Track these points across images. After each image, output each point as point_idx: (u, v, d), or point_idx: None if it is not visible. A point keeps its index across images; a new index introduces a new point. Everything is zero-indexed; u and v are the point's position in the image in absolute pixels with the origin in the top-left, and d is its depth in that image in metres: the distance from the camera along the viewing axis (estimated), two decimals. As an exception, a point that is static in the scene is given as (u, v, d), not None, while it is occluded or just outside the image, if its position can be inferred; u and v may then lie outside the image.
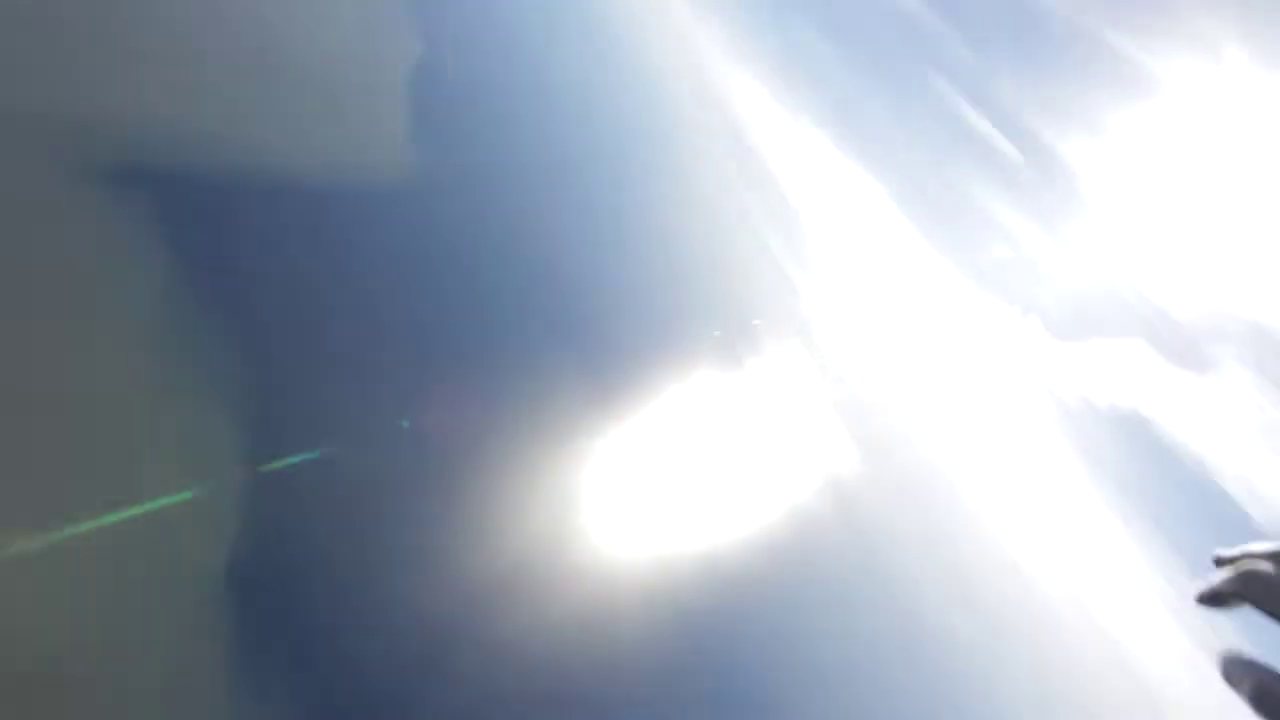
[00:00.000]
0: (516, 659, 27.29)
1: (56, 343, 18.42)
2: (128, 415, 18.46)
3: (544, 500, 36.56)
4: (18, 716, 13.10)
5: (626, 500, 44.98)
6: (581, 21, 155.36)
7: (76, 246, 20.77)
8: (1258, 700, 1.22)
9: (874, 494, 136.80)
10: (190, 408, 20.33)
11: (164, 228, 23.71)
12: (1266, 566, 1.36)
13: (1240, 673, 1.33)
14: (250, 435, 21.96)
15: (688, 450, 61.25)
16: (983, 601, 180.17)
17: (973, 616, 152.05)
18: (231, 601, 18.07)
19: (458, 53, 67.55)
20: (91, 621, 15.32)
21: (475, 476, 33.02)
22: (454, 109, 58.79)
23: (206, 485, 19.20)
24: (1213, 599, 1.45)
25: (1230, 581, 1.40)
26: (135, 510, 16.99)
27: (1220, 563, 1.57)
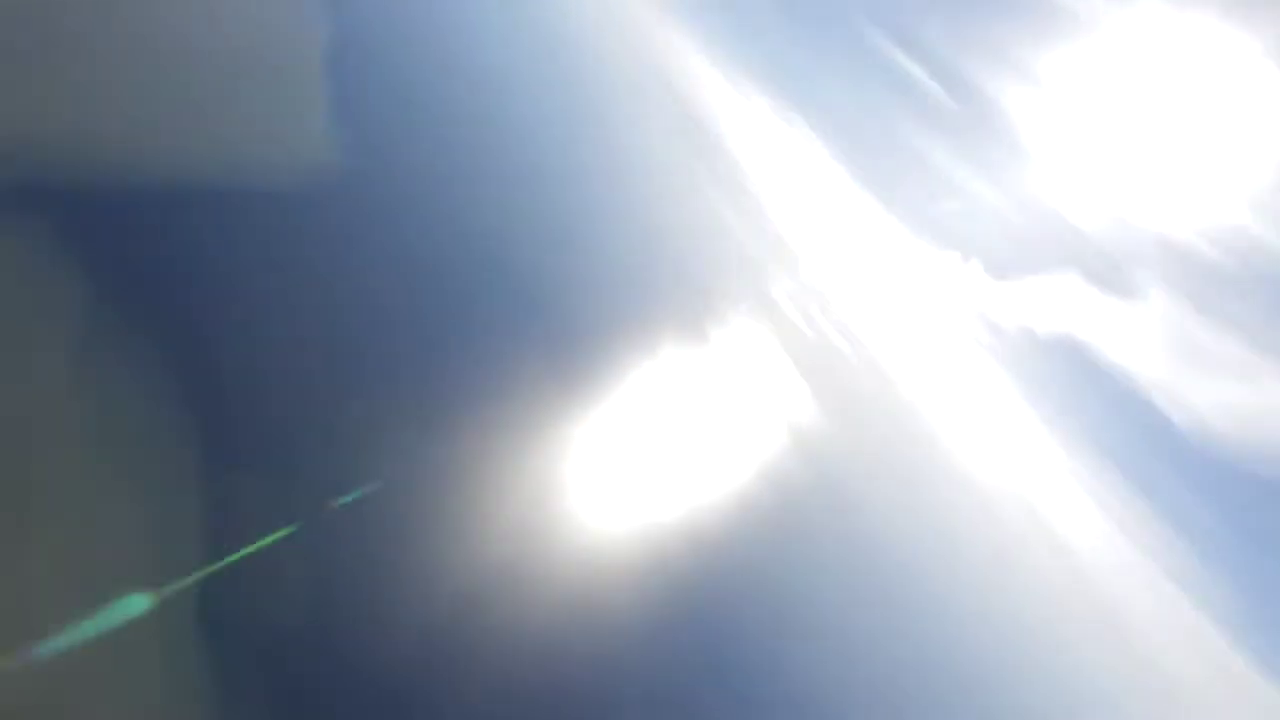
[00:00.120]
0: (511, 644, 26.62)
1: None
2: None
3: (522, 484, 35.61)
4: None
5: (602, 477, 44.47)
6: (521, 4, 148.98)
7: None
8: None
9: (839, 440, 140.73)
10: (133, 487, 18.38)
11: (61, 249, 21.17)
12: None
13: None
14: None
15: (658, 422, 61.04)
16: (945, 523, 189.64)
17: (938, 540, 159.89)
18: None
19: (384, 36, 63.57)
20: None
21: (451, 465, 31.75)
22: (387, 97, 55.42)
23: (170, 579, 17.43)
24: None
25: None
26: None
27: None
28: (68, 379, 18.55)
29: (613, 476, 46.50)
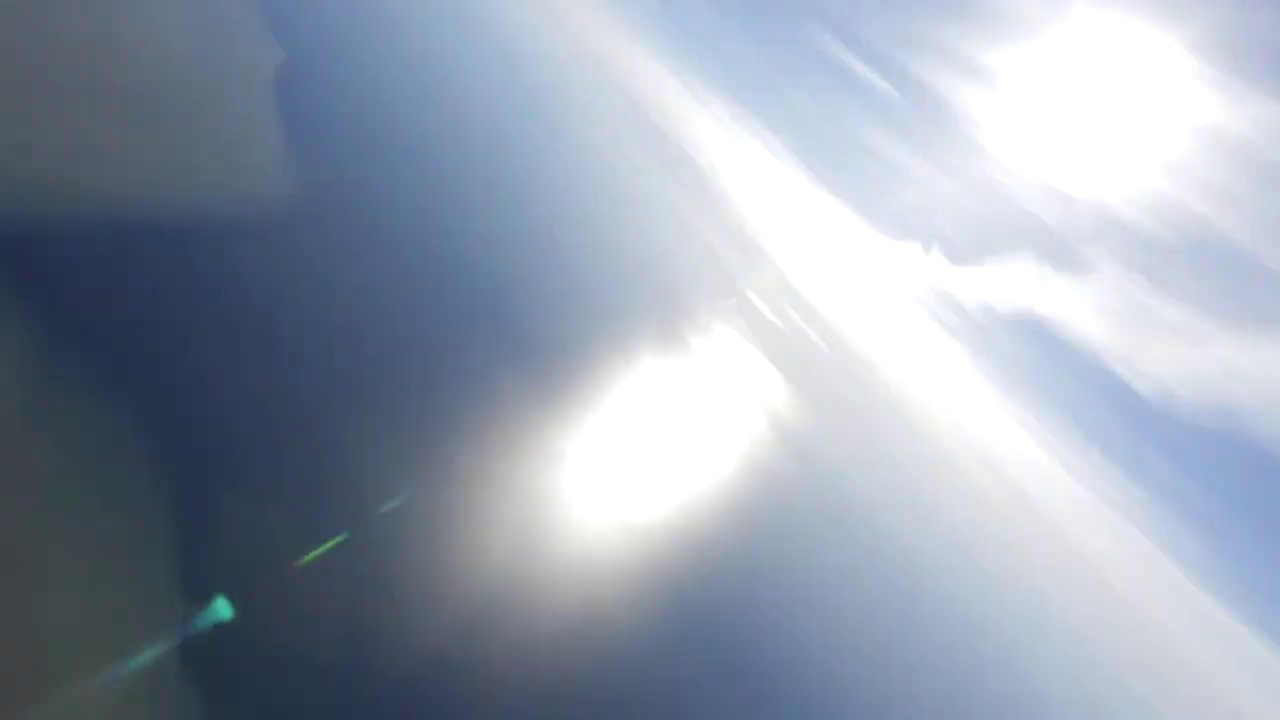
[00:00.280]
0: (525, 643, 27.26)
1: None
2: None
3: (523, 490, 36.25)
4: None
5: (602, 481, 45.27)
6: (459, 14, 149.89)
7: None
8: None
9: (820, 427, 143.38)
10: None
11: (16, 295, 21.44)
12: None
13: None
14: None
15: (649, 426, 62.04)
16: (929, 496, 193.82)
17: (924, 514, 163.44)
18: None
19: (341, 62, 63.94)
20: None
21: (462, 476, 32.25)
22: (349, 122, 55.84)
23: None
24: None
25: None
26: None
27: None
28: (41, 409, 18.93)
29: (613, 479, 47.33)
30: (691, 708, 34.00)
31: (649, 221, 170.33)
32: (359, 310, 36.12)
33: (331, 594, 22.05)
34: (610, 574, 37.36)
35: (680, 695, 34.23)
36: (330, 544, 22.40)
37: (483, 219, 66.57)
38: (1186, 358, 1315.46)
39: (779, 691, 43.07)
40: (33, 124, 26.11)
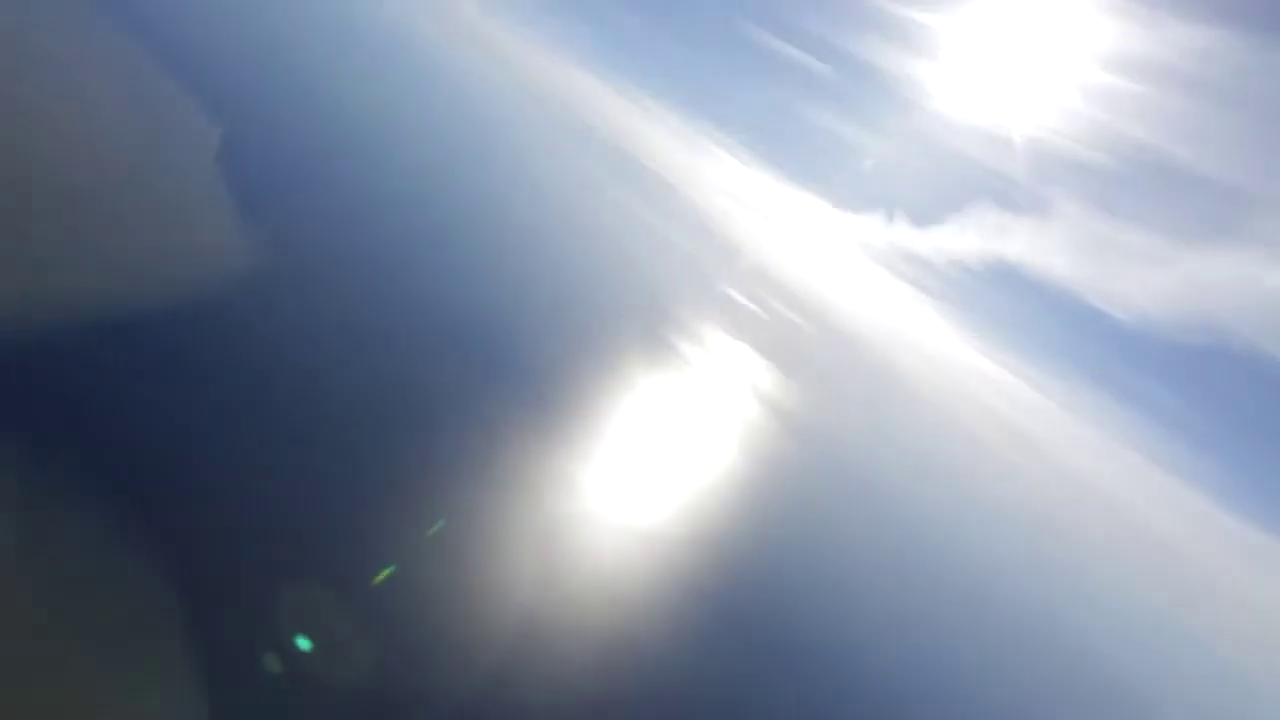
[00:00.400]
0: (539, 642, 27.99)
1: None
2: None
3: (542, 500, 37.03)
4: None
5: (621, 485, 46.13)
6: (392, 63, 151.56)
7: None
8: None
9: (819, 408, 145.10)
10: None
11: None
12: None
13: None
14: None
15: (654, 432, 63.03)
16: (931, 455, 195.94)
17: (928, 472, 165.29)
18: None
19: (271, 122, 64.81)
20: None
21: (491, 500, 32.95)
22: (298, 184, 56.77)
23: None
24: None
25: None
26: None
27: None
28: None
29: (632, 486, 48.21)
30: (754, 695, 34.80)
31: (620, 237, 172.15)
32: (356, 362, 36.85)
33: (396, 615, 22.85)
34: (649, 575, 38.16)
35: (740, 686, 35.03)
36: (385, 573, 24.21)
37: (457, 259, 67.64)
38: (1155, 279, 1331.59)
39: (826, 671, 43.95)
40: None
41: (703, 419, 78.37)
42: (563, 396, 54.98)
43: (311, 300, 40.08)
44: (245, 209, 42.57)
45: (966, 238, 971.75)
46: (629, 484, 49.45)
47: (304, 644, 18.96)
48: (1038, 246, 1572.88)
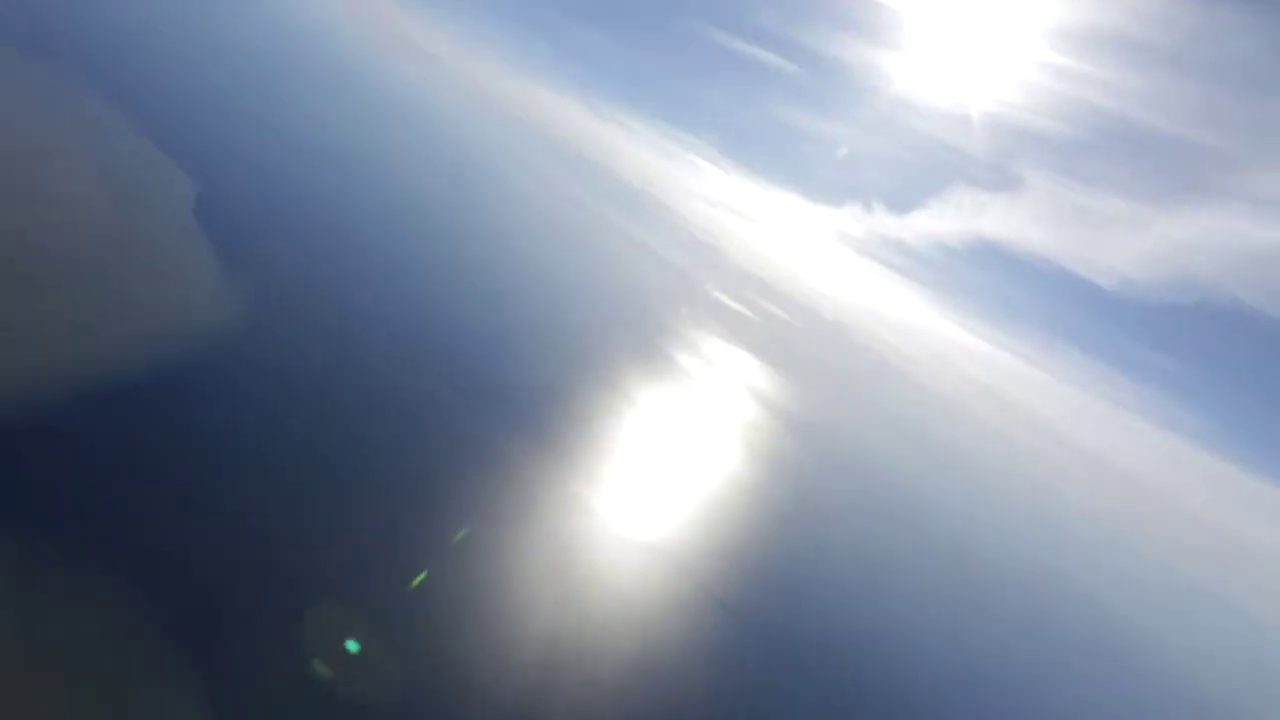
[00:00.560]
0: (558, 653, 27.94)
1: None
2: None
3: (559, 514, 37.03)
4: None
5: (630, 501, 46.17)
6: (352, 104, 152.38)
7: None
8: None
9: (819, 407, 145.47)
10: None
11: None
12: None
13: None
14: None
15: (665, 441, 63.14)
16: (942, 446, 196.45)
17: (943, 466, 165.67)
18: None
19: (244, 176, 65.06)
20: None
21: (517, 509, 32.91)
22: (280, 229, 56.89)
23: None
24: None
25: None
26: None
27: None
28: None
29: (644, 498, 48.28)
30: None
31: (606, 251, 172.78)
32: (361, 396, 36.87)
33: (425, 630, 22.95)
34: (670, 586, 38.15)
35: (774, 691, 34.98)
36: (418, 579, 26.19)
37: (446, 286, 67.86)
38: (1133, 242, 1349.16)
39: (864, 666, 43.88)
40: None
41: (707, 425, 78.53)
42: (567, 414, 55.03)
43: (307, 339, 40.14)
44: (229, 259, 42.65)
45: (944, 220, 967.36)
46: (643, 495, 49.54)
47: (353, 646, 20.93)
48: (1015, 221, 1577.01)
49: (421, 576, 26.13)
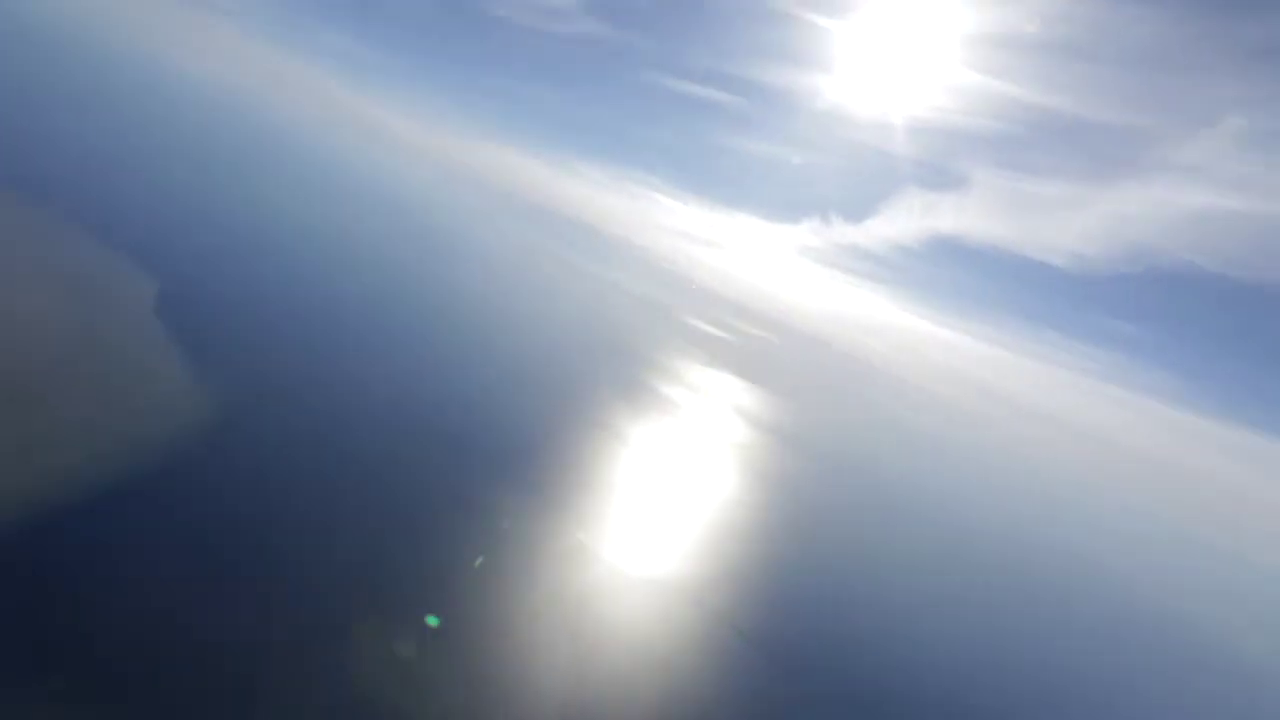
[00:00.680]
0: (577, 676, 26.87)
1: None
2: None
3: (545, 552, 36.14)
4: None
5: (634, 533, 45.42)
6: (306, 188, 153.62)
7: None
8: None
9: (807, 420, 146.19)
10: None
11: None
12: None
13: None
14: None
15: (662, 473, 62.62)
16: (937, 444, 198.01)
17: (941, 464, 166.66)
18: None
19: (204, 270, 64.54)
20: None
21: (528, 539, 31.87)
22: (245, 320, 56.37)
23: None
24: None
25: None
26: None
27: None
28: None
29: (648, 527, 47.54)
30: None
31: (577, 296, 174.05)
32: (352, 467, 36.03)
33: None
34: (683, 618, 37.30)
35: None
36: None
37: (422, 350, 67.46)
38: (1078, 222, 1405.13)
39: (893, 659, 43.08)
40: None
41: (701, 451, 78.17)
42: (561, 461, 54.40)
43: (289, 420, 39.25)
44: (198, 350, 41.97)
45: (899, 223, 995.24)
46: (647, 532, 48.77)
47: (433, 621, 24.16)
48: (966, 216, 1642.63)
49: (433, 621, 26.52)
